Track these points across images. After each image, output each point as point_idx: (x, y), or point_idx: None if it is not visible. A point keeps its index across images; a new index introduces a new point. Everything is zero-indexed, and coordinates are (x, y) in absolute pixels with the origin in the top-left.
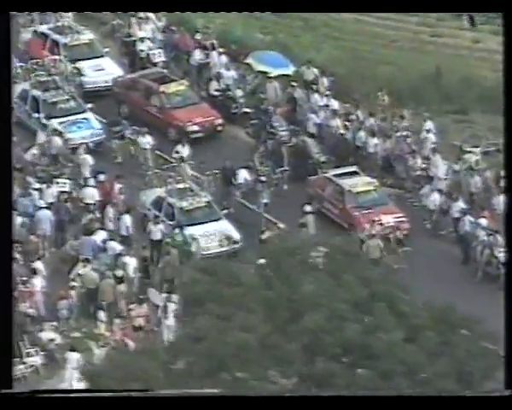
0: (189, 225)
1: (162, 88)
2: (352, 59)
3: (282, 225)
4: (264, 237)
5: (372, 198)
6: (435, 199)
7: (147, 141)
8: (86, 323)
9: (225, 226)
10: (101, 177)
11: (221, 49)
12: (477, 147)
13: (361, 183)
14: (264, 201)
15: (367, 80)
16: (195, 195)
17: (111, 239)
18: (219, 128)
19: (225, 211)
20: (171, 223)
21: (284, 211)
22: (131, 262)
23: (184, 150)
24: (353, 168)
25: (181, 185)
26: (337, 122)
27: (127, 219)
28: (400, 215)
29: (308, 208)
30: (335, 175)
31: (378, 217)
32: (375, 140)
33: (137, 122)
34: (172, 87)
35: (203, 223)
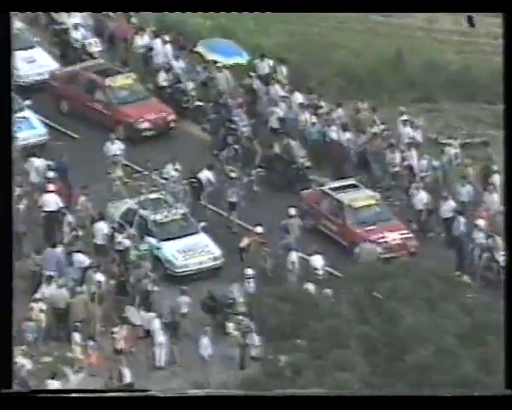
0: (164, 240)
1: (108, 81)
2: (302, 44)
3: (259, 230)
4: (242, 244)
5: (374, 213)
6: (422, 198)
7: (117, 147)
8: (58, 346)
9: (204, 240)
10: (51, 174)
11: (167, 38)
12: (454, 139)
13: (361, 197)
14: (231, 200)
15: (322, 67)
16: (170, 206)
17: (77, 251)
18: (172, 125)
19: (203, 224)
20: (144, 237)
21: (260, 217)
22: (103, 278)
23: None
24: (352, 181)
25: (153, 196)
26: (306, 116)
27: (103, 227)
28: (406, 231)
29: (292, 212)
30: (332, 188)
31: (382, 234)
32: (347, 135)
33: (80, 119)
34: (119, 80)
35: (180, 237)
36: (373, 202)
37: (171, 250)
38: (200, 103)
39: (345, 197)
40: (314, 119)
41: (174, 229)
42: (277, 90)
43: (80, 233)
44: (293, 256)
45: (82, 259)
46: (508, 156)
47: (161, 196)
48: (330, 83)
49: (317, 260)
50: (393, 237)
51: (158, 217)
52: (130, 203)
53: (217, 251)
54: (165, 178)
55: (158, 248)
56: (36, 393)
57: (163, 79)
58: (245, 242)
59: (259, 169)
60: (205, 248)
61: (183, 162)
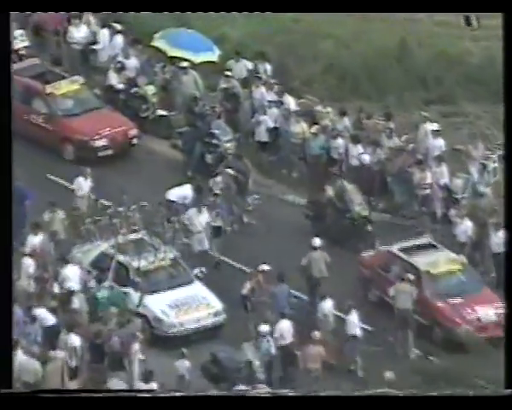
0: (150, 293)
1: (49, 88)
2: (278, 33)
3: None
4: (245, 291)
5: (459, 282)
6: (467, 228)
7: (88, 184)
8: None
9: (200, 292)
10: None
11: (119, 26)
12: (492, 151)
13: (442, 260)
14: (214, 224)
15: (304, 62)
16: (156, 249)
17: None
18: (135, 141)
19: (198, 270)
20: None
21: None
22: (78, 339)
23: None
24: (427, 239)
25: (134, 236)
26: (302, 125)
27: (74, 271)
28: (501, 304)
29: (317, 242)
30: (403, 249)
31: (471, 309)
32: (359, 149)
33: (13, 136)
34: (63, 87)
35: (170, 288)
36: (457, 266)
37: (160, 305)
38: (164, 113)
39: (420, 261)
40: (314, 129)
41: (162, 278)
42: (263, 93)
43: (44, 281)
44: (327, 306)
45: (47, 316)
46: (508, 159)
47: (144, 237)
48: (317, 82)
49: (352, 317)
50: (486, 313)
51: (142, 263)
52: (103, 247)
53: (217, 304)
54: None
55: (138, 305)
56: (36, 393)
57: (115, 81)
58: (247, 287)
59: (256, 196)
60: (202, 301)
61: (150, 188)
